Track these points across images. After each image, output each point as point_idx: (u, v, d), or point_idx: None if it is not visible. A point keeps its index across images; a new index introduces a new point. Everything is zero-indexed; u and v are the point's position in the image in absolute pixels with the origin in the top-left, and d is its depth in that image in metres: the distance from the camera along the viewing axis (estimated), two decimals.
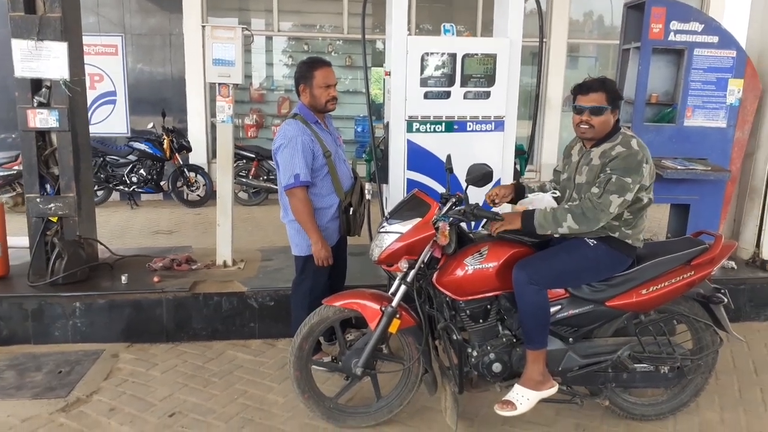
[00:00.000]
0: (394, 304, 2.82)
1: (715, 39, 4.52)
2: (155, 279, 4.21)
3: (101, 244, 4.63)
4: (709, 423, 3.18)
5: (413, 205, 2.97)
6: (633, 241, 2.80)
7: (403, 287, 2.85)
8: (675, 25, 4.45)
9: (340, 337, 3.05)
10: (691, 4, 4.94)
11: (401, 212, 2.95)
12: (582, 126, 2.75)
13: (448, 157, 3.14)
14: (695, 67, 4.56)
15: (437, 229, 2.78)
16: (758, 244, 4.88)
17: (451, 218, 2.81)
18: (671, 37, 4.48)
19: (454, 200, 2.93)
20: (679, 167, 4.47)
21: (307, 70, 3.31)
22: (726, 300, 2.95)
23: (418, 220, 2.84)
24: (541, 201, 2.89)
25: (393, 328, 2.83)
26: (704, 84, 4.59)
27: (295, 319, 3.47)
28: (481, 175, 2.93)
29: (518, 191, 3.07)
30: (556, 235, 2.81)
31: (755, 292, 4.50)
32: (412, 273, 2.83)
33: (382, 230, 2.94)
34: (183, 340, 4.07)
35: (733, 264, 4.70)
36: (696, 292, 2.96)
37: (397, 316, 2.82)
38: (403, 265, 2.81)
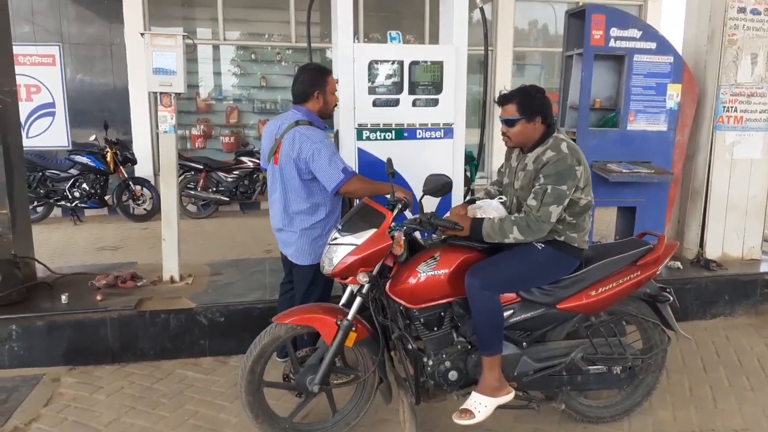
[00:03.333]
0: (350, 317, 2.76)
1: (653, 45, 4.67)
2: (98, 297, 4.02)
3: (39, 262, 4.42)
4: (662, 422, 3.24)
5: (365, 214, 2.89)
6: (579, 243, 2.83)
7: (358, 299, 2.78)
8: (615, 31, 4.58)
9: (293, 354, 2.95)
10: (629, 12, 5.10)
11: (353, 223, 2.86)
12: (503, 138, 2.87)
13: (389, 161, 3.10)
14: (635, 73, 4.69)
15: (393, 238, 2.73)
16: (701, 244, 5.06)
17: (406, 227, 2.78)
18: (611, 43, 4.60)
19: (400, 206, 2.92)
20: (624, 171, 4.59)
21: (321, 76, 3.34)
22: (672, 298, 3.02)
23: (374, 230, 2.76)
24: (489, 206, 2.89)
25: (350, 342, 2.77)
26: (645, 89, 4.73)
27: None
28: (440, 186, 2.90)
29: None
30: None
31: (701, 290, 4.64)
32: (367, 285, 2.76)
33: (334, 242, 2.83)
34: (129, 360, 3.89)
35: (678, 264, 4.84)
36: (643, 292, 3.01)
37: (353, 328, 2.77)
38: (364, 278, 2.71)
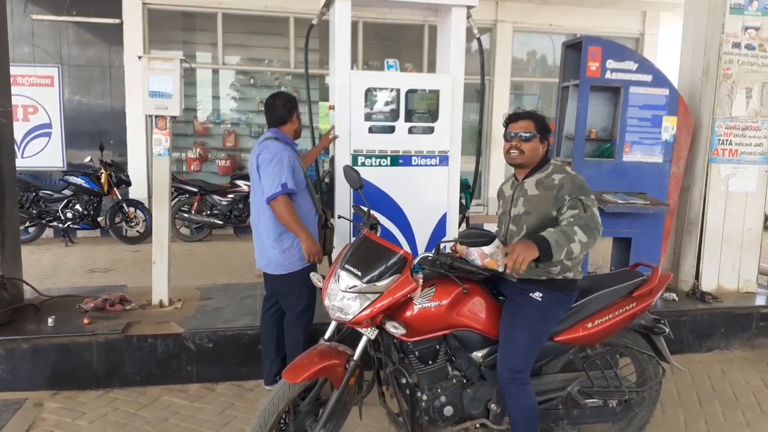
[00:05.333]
0: (356, 357, 2.65)
1: (648, 78, 4.70)
2: (85, 321, 3.95)
3: (27, 284, 4.35)
4: None
5: (373, 252, 2.69)
6: (574, 273, 2.77)
7: (365, 339, 2.65)
8: (611, 63, 4.61)
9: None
10: (626, 45, 5.15)
11: (364, 263, 2.64)
12: (512, 152, 2.80)
13: (356, 172, 3.05)
14: (631, 105, 4.71)
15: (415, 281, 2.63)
16: (697, 276, 5.03)
17: (427, 270, 2.70)
18: (608, 75, 4.63)
19: (380, 227, 2.99)
20: (619, 201, 4.58)
21: (293, 100, 3.63)
22: (667, 330, 2.98)
23: (397, 276, 2.59)
24: (488, 247, 2.80)
25: (353, 380, 2.69)
26: (640, 121, 4.75)
27: (289, 342, 3.53)
28: (483, 241, 2.67)
29: None
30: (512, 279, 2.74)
31: (696, 323, 4.59)
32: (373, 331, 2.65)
33: (351, 290, 2.58)
34: (115, 386, 3.81)
35: (674, 296, 4.80)
36: (638, 324, 2.98)
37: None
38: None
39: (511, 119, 2.86)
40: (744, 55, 4.83)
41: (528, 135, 2.76)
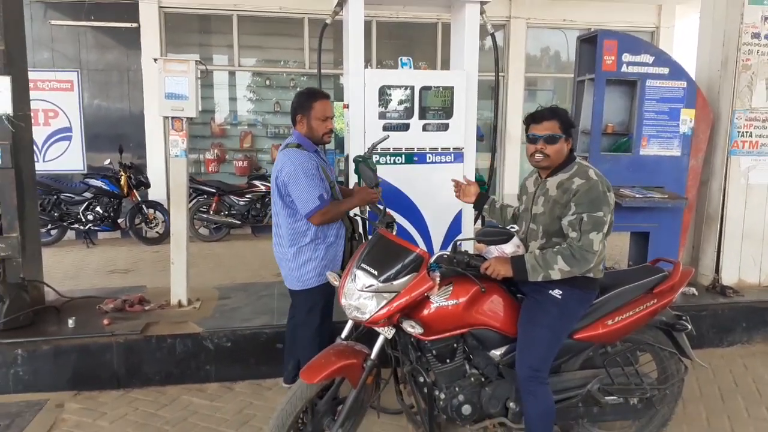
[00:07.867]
0: (373, 356, 2.64)
1: (665, 70, 4.64)
2: (105, 322, 4.00)
3: (48, 286, 4.41)
4: None
5: (388, 251, 2.67)
6: (595, 273, 2.71)
7: (382, 338, 2.64)
8: (627, 57, 4.56)
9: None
10: (641, 37, 5.08)
11: (379, 262, 2.61)
12: (536, 155, 2.70)
13: (373, 171, 3.06)
14: (648, 98, 4.65)
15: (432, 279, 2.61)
16: (717, 270, 4.96)
17: (443, 268, 2.67)
18: (623, 68, 4.58)
19: (396, 226, 2.97)
20: (637, 196, 4.52)
21: (306, 100, 3.22)
22: (689, 327, 2.94)
23: (414, 275, 2.56)
24: (504, 246, 2.78)
25: (371, 379, 2.69)
26: (657, 114, 4.69)
27: (303, 359, 3.31)
28: (503, 237, 2.70)
29: (481, 198, 3.19)
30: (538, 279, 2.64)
31: (717, 317, 4.53)
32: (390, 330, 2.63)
33: (368, 289, 2.57)
34: (134, 386, 3.85)
35: (694, 290, 4.73)
36: (659, 320, 2.94)
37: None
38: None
39: (533, 119, 2.73)
40: (764, 46, 4.74)
41: (555, 136, 2.65)
